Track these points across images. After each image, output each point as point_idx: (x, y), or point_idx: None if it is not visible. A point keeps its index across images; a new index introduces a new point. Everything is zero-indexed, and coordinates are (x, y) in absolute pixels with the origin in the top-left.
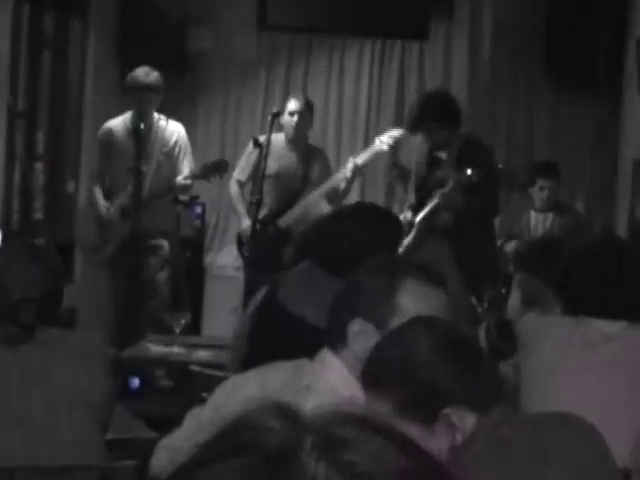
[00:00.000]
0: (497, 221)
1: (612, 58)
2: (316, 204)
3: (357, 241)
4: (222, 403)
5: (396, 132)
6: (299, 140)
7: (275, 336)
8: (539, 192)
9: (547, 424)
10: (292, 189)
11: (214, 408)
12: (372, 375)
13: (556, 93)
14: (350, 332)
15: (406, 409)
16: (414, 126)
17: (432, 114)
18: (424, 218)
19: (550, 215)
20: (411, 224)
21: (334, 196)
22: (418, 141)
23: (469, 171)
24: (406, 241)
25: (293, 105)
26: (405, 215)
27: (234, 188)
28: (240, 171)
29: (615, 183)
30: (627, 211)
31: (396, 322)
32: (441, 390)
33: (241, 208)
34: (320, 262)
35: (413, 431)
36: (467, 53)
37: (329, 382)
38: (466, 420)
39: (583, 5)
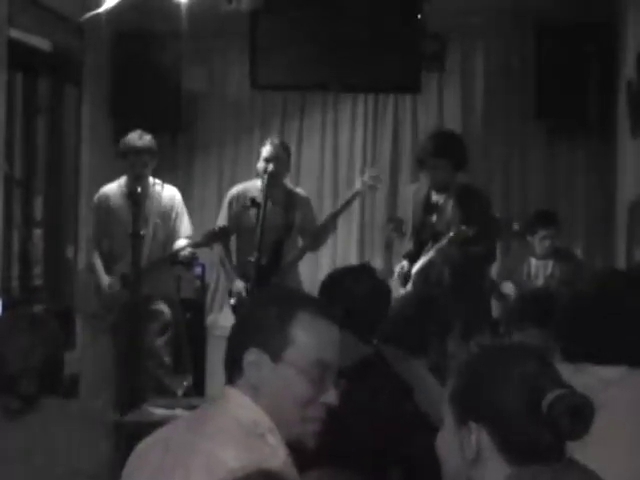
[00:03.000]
0: (497, 269)
1: (603, 100)
2: (301, 258)
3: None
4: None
5: (374, 171)
6: (277, 187)
7: None
8: (541, 241)
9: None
10: (275, 239)
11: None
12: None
13: (548, 138)
14: (245, 361)
15: (452, 397)
16: (420, 162)
17: (435, 150)
18: (421, 270)
19: (550, 262)
20: (408, 274)
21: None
22: (416, 188)
23: (463, 227)
24: (403, 291)
25: (268, 151)
26: (402, 265)
27: (217, 249)
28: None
29: (612, 226)
30: (625, 254)
31: (290, 353)
32: (487, 410)
33: (230, 271)
34: None
35: (447, 419)
36: (459, 103)
37: (237, 415)
38: (495, 462)
39: (572, 49)
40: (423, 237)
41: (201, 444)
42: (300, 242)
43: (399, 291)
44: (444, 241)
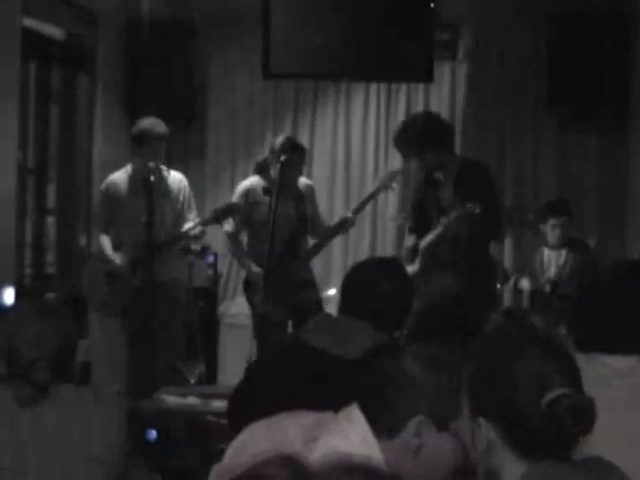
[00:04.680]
0: (510, 259)
1: (616, 89)
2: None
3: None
4: (233, 459)
5: (395, 170)
6: (290, 183)
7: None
8: (552, 230)
9: (591, 470)
10: (290, 232)
11: (227, 463)
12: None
13: (561, 128)
14: (410, 427)
15: (467, 390)
16: (405, 153)
17: (420, 139)
18: (429, 246)
19: (563, 252)
20: (415, 249)
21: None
22: (415, 163)
23: (469, 205)
24: (411, 269)
25: (286, 152)
26: (407, 241)
27: (229, 240)
28: (230, 222)
29: (625, 216)
30: (638, 245)
31: (456, 423)
32: (495, 407)
33: (244, 260)
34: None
35: (465, 409)
36: (472, 92)
37: (350, 439)
38: (506, 457)
39: (585, 37)
40: (427, 212)
41: (311, 457)
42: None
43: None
44: (451, 218)
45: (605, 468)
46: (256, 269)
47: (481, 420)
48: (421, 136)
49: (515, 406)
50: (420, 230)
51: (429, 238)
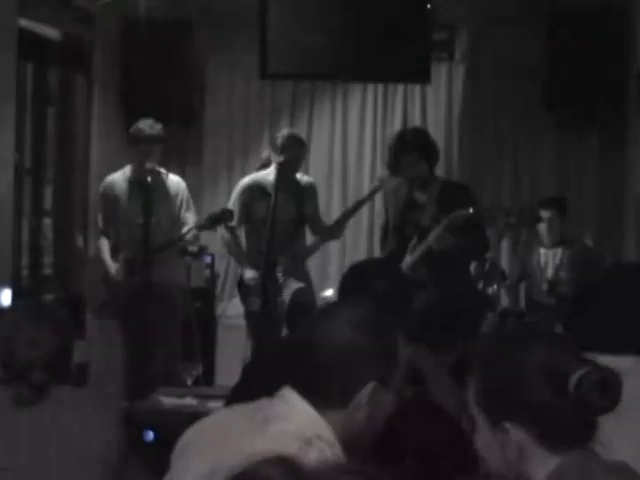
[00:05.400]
0: (508, 261)
1: (614, 92)
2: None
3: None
4: (177, 467)
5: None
6: (289, 179)
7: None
8: (543, 227)
9: (620, 473)
10: (287, 231)
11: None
12: (477, 354)
13: (559, 129)
14: (363, 394)
15: (479, 399)
16: (391, 164)
17: (406, 148)
18: (412, 265)
19: (559, 250)
20: None
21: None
22: (395, 184)
23: (471, 210)
24: None
25: (280, 142)
26: None
27: (227, 236)
28: None
29: (622, 218)
30: (635, 245)
31: (395, 377)
32: (518, 407)
33: (241, 258)
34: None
35: (480, 420)
36: (469, 93)
37: (293, 420)
38: (538, 455)
39: (584, 38)
40: (406, 234)
41: (262, 445)
42: (308, 234)
43: None
44: (440, 227)
45: (633, 475)
46: (250, 272)
47: (506, 424)
48: (410, 148)
49: (539, 399)
50: (398, 252)
51: (414, 255)
